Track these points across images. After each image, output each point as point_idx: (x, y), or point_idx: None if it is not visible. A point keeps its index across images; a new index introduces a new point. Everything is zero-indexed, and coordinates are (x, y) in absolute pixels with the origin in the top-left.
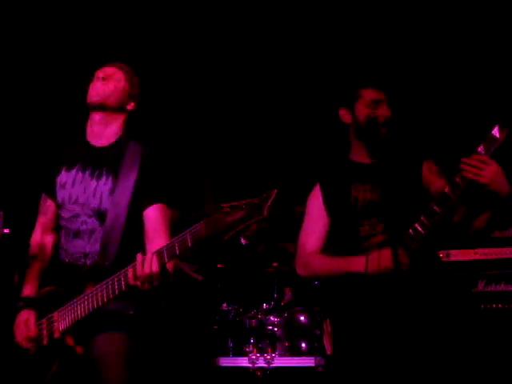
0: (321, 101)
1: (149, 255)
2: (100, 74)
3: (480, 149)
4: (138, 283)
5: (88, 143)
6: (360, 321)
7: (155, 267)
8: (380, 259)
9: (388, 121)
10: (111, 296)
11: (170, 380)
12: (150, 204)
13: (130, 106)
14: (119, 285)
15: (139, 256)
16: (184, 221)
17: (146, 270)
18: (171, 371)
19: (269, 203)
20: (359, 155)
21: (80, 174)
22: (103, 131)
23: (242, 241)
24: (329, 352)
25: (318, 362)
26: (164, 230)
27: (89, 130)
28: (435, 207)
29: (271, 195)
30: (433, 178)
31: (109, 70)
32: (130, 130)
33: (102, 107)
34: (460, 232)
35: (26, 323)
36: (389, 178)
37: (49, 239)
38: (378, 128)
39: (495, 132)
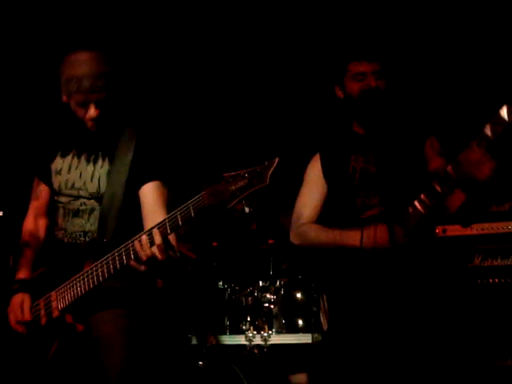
0: (323, 73)
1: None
2: None
3: (486, 130)
4: (144, 258)
5: (82, 127)
6: (354, 296)
7: (158, 240)
8: (376, 234)
9: (374, 92)
10: (112, 272)
11: (167, 358)
12: (146, 181)
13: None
14: (114, 262)
15: (143, 237)
16: (179, 202)
17: (147, 250)
18: (168, 350)
19: (271, 171)
20: (358, 126)
21: (76, 160)
22: None
23: (246, 209)
24: (325, 328)
25: (315, 339)
26: (161, 206)
27: None
28: (437, 187)
29: (273, 163)
30: (433, 155)
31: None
32: (125, 114)
33: None
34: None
35: (20, 307)
36: (390, 152)
37: (42, 223)
38: (364, 100)
39: (503, 113)
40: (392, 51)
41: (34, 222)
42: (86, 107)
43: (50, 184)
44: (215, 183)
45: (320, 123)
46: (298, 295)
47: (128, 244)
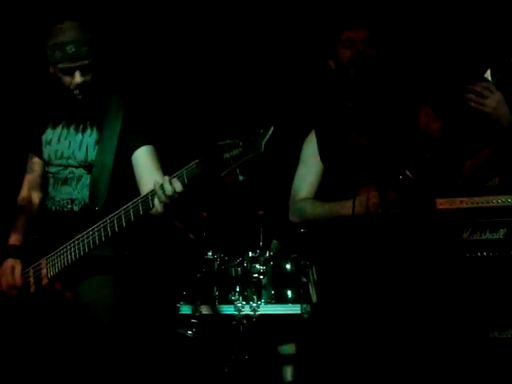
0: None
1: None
2: None
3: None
4: (164, 202)
5: (71, 99)
6: (346, 266)
7: (178, 187)
8: (368, 200)
9: (363, 57)
10: (103, 239)
11: (155, 328)
12: (139, 146)
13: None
14: (106, 229)
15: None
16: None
17: (169, 191)
18: (156, 319)
19: (266, 139)
20: (351, 99)
21: (65, 130)
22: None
23: (240, 177)
24: (314, 300)
25: (304, 310)
26: (157, 168)
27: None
28: (426, 152)
29: (268, 131)
30: (430, 122)
31: None
32: (111, 82)
33: None
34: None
35: (11, 271)
36: (383, 123)
37: (35, 196)
38: (353, 66)
39: (487, 75)
40: (382, 19)
41: (27, 195)
42: (71, 74)
43: (41, 156)
44: (209, 151)
45: (313, 99)
46: (288, 266)
47: (120, 211)
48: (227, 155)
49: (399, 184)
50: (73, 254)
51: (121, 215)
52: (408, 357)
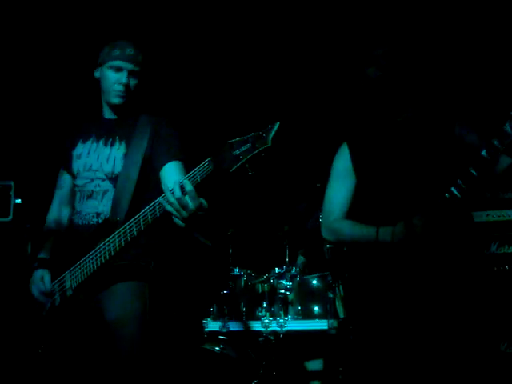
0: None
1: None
2: None
3: None
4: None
5: (103, 117)
6: (378, 283)
7: (189, 187)
8: (414, 227)
9: (385, 72)
10: (119, 246)
11: (182, 344)
12: (167, 162)
13: None
14: (125, 234)
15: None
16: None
17: (178, 193)
18: (182, 335)
19: (273, 133)
20: (381, 115)
21: (94, 144)
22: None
23: (250, 172)
24: (342, 315)
25: (331, 325)
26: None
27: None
28: (472, 171)
29: (275, 126)
30: (464, 135)
31: None
32: (141, 104)
33: None
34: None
35: (41, 279)
36: (419, 138)
37: (65, 212)
38: (377, 81)
39: None
40: (410, 35)
41: (58, 210)
42: (120, 73)
43: (70, 170)
44: (220, 149)
45: (344, 111)
46: (314, 282)
47: (138, 217)
48: (237, 151)
49: (445, 202)
50: (94, 263)
51: (132, 225)
52: (438, 372)
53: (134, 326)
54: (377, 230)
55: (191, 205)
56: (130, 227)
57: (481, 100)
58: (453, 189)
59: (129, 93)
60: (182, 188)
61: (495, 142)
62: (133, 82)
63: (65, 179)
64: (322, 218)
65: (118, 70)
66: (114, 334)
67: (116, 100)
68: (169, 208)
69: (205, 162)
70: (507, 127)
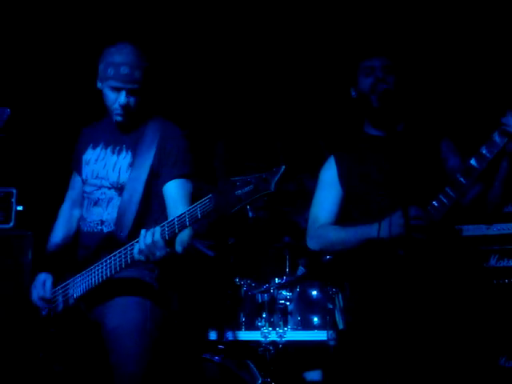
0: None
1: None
2: None
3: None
4: (142, 256)
5: (113, 124)
6: (375, 293)
7: (156, 236)
8: (391, 220)
9: (384, 84)
10: (124, 265)
11: (181, 353)
12: (170, 179)
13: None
14: (126, 258)
15: (142, 230)
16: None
17: (148, 240)
18: (182, 345)
19: (277, 178)
20: (372, 127)
21: (103, 151)
22: None
23: (250, 214)
24: (341, 326)
25: (331, 336)
26: (183, 203)
27: None
28: (461, 178)
29: (279, 170)
30: (448, 155)
31: None
32: (151, 111)
33: None
34: (476, 212)
35: (43, 285)
36: (409, 149)
37: (76, 213)
38: (374, 93)
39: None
40: (403, 48)
41: (69, 211)
42: (117, 93)
43: (81, 175)
44: (222, 187)
45: (330, 126)
46: (314, 292)
47: (133, 243)
48: (239, 191)
49: (433, 210)
50: (96, 277)
51: (127, 251)
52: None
53: (134, 336)
54: (378, 224)
55: (158, 253)
56: (125, 252)
57: (469, 115)
58: (441, 196)
59: (129, 111)
60: (152, 235)
61: (484, 151)
62: (133, 99)
63: (77, 181)
64: (307, 230)
65: (116, 89)
66: (114, 343)
67: (117, 118)
68: (136, 256)
69: (206, 199)
70: (495, 136)
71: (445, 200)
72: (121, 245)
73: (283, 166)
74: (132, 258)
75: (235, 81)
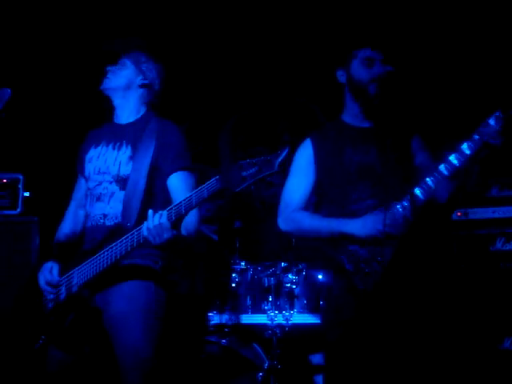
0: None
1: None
2: None
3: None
4: (150, 236)
5: (114, 123)
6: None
7: (163, 219)
8: (368, 222)
9: (381, 79)
10: (124, 252)
11: (189, 338)
12: (172, 172)
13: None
14: (132, 241)
15: (150, 211)
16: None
17: (155, 221)
18: (190, 329)
19: (280, 159)
20: (353, 117)
21: (104, 148)
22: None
23: (253, 192)
24: None
25: None
26: (186, 194)
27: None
28: (430, 182)
29: (283, 152)
30: (417, 151)
31: None
32: (156, 106)
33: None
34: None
35: (50, 271)
36: (384, 142)
37: (81, 214)
38: (370, 86)
39: (491, 121)
40: (396, 43)
41: (74, 212)
42: None
43: (84, 173)
44: (229, 169)
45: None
46: (320, 276)
47: (134, 230)
48: (244, 173)
49: (409, 203)
50: (102, 263)
51: (140, 232)
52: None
53: (138, 321)
54: (353, 222)
55: (165, 235)
56: (138, 233)
57: (444, 113)
58: (409, 197)
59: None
60: (160, 217)
61: (454, 161)
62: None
63: (81, 183)
64: (279, 210)
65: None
66: (119, 326)
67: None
68: (145, 233)
69: (213, 180)
70: (465, 145)
71: (414, 199)
72: (126, 233)
73: (287, 148)
74: (139, 239)
75: (237, 65)
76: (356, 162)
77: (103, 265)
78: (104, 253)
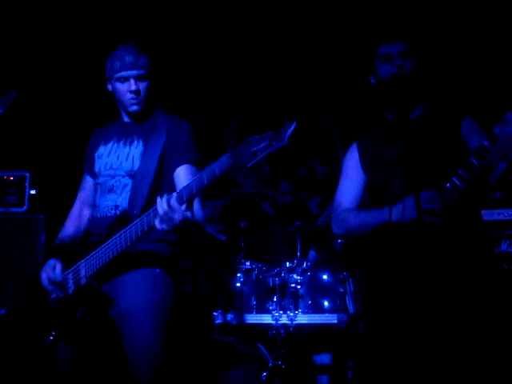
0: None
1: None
2: None
3: None
4: (164, 225)
5: (122, 120)
6: (388, 277)
7: (172, 201)
8: (404, 204)
9: (401, 70)
10: (136, 236)
11: (193, 337)
12: (179, 164)
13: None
14: (142, 224)
15: (158, 197)
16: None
17: (165, 206)
18: (195, 328)
19: (289, 132)
20: (393, 112)
21: (115, 145)
22: None
23: (266, 168)
24: (351, 311)
25: (341, 319)
26: None
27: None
28: (473, 160)
29: (292, 125)
30: (471, 135)
31: None
32: (157, 100)
33: None
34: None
35: (53, 269)
36: (424, 135)
37: (85, 213)
38: (394, 80)
39: None
40: (419, 31)
41: (79, 210)
42: (127, 82)
43: (93, 170)
44: (239, 145)
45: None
46: (325, 276)
47: (151, 210)
48: (254, 148)
49: (446, 192)
50: (110, 252)
51: (149, 216)
52: (448, 368)
53: (148, 316)
54: (390, 209)
55: (176, 217)
56: (148, 218)
57: (488, 96)
58: (454, 178)
59: (142, 97)
60: (170, 199)
61: (497, 131)
62: (142, 85)
63: (87, 182)
64: (332, 214)
65: (125, 80)
66: (128, 324)
67: (133, 108)
68: (158, 218)
69: (223, 157)
70: (508, 115)
71: (458, 182)
72: (135, 219)
73: (295, 122)
74: (149, 223)
75: (249, 63)
76: (398, 156)
77: (112, 253)
78: (112, 241)
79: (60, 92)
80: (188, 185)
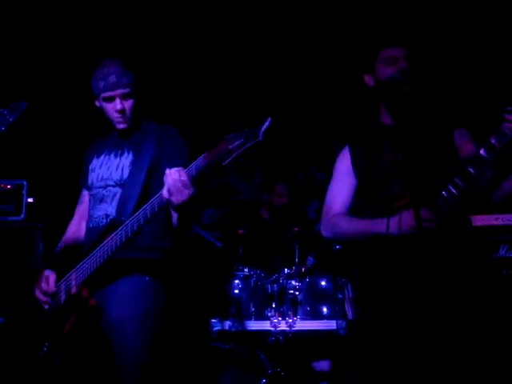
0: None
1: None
2: None
3: None
4: (173, 197)
5: (114, 133)
6: (385, 285)
7: (183, 175)
8: (401, 219)
9: (406, 75)
10: (130, 233)
11: (191, 344)
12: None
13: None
14: (145, 214)
15: (167, 170)
16: None
17: (175, 176)
18: (192, 335)
19: (264, 128)
20: (387, 117)
21: (107, 157)
22: None
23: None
24: (350, 317)
25: (340, 326)
26: None
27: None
28: (470, 169)
29: (266, 121)
30: (463, 144)
31: None
32: (145, 112)
33: None
34: (487, 199)
35: (46, 280)
36: (418, 141)
37: (83, 226)
38: (395, 84)
39: None
40: (419, 37)
41: (77, 224)
42: (113, 102)
43: (87, 184)
44: (215, 144)
45: (347, 116)
46: (323, 283)
47: (139, 212)
48: (230, 146)
49: (442, 200)
50: (98, 259)
51: (139, 218)
52: (448, 374)
53: (136, 326)
54: (388, 220)
55: (185, 192)
56: (132, 223)
57: (481, 104)
58: (450, 186)
59: (128, 116)
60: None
61: (493, 141)
62: (128, 104)
63: (84, 195)
64: (321, 218)
65: (110, 99)
66: (116, 335)
67: (120, 126)
68: (165, 195)
69: (200, 157)
70: (505, 126)
71: (454, 190)
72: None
73: (269, 118)
74: (146, 217)
75: (245, 71)
76: (391, 162)
77: (100, 260)
78: (100, 249)
79: (57, 100)
80: (189, 167)
